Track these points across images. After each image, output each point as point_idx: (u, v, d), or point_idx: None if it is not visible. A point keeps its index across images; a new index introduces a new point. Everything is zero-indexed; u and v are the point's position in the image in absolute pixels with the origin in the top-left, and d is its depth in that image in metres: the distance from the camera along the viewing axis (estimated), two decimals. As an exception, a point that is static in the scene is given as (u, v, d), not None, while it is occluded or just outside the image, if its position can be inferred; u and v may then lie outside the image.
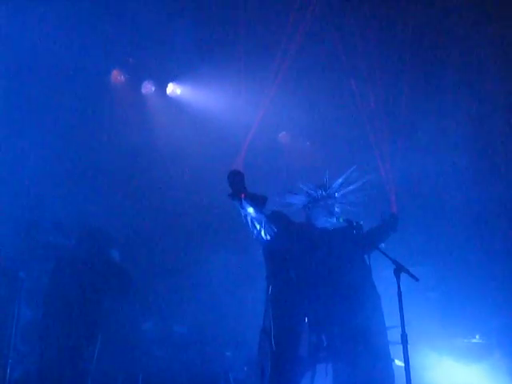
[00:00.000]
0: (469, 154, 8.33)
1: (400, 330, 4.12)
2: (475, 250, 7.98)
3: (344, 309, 4.50)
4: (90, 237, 6.27)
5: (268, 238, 4.69)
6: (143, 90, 8.09)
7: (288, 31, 5.69)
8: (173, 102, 8.25)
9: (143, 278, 6.89)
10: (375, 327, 4.52)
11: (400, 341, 4.10)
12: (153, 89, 8.12)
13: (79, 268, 5.96)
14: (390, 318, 4.56)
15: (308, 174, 5.52)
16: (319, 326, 4.50)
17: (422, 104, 7.89)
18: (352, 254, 4.74)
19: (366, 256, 4.71)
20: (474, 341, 6.93)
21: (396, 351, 4.38)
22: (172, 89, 8.27)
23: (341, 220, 4.78)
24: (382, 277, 4.89)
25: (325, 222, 4.90)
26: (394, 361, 4.64)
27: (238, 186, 4.52)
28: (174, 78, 8.23)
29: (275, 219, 4.75)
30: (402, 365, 4.07)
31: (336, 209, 4.94)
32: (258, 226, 4.66)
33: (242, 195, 4.48)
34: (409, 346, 4.08)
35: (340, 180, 5.00)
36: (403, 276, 4.18)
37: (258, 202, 4.56)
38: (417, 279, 4.19)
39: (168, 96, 8.25)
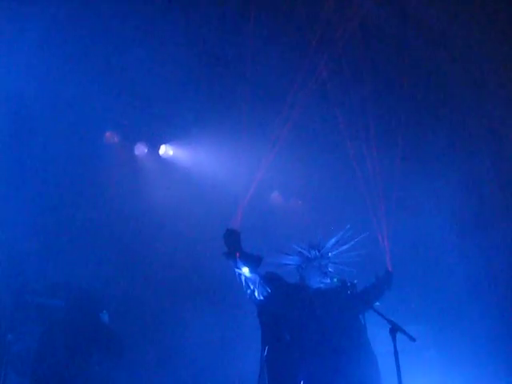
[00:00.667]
0: (462, 216, 8.43)
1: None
2: (471, 308, 7.94)
3: (340, 370, 4.42)
4: (80, 299, 6.19)
5: (262, 298, 4.65)
6: (136, 152, 8.15)
7: (285, 95, 5.80)
8: (165, 163, 8.30)
9: (132, 340, 6.77)
10: (372, 388, 4.44)
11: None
12: (145, 150, 8.18)
13: (69, 331, 5.85)
14: (387, 377, 4.47)
15: (301, 234, 5.50)
16: (316, 388, 4.41)
17: (415, 167, 8.02)
18: (347, 314, 4.71)
19: (360, 315, 4.67)
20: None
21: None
22: (164, 150, 8.33)
23: (335, 280, 4.75)
24: (378, 336, 4.82)
25: (319, 282, 4.88)
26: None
27: (233, 244, 4.52)
28: (166, 140, 8.31)
29: (269, 280, 4.73)
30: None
31: (330, 269, 4.93)
32: (251, 286, 4.63)
33: (237, 254, 4.46)
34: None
35: (333, 240, 5.00)
36: (399, 335, 4.12)
37: (253, 261, 4.55)
38: (413, 339, 4.13)
39: (161, 157, 8.31)
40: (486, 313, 7.88)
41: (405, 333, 4.15)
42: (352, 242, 4.97)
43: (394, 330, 4.15)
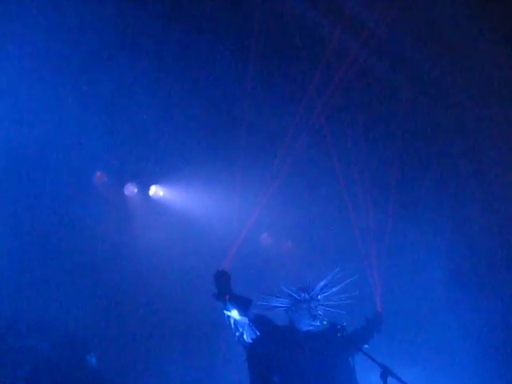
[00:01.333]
0: (452, 262, 8.50)
1: None
2: (463, 351, 7.90)
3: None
4: (66, 341, 6.10)
5: (251, 341, 4.60)
6: (126, 192, 8.14)
7: (278, 138, 5.88)
8: (155, 204, 8.29)
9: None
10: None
11: None
12: (135, 190, 8.17)
13: (54, 374, 5.75)
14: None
15: (291, 276, 5.49)
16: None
17: (407, 212, 8.13)
18: (336, 357, 4.67)
19: (350, 358, 4.63)
20: None
21: None
22: (155, 191, 8.33)
23: (324, 323, 4.71)
24: (369, 380, 4.77)
25: (308, 324, 4.84)
26: None
27: (223, 286, 4.49)
28: (156, 180, 8.32)
29: (258, 322, 4.68)
30: None
31: (319, 311, 4.89)
32: (240, 329, 4.59)
33: (227, 297, 4.43)
34: None
35: (323, 282, 4.97)
36: (390, 379, 4.07)
37: (243, 304, 4.52)
38: (405, 384, 4.08)
39: (151, 198, 8.30)
40: (477, 355, 7.85)
41: (396, 377, 4.10)
42: (342, 285, 4.94)
43: (385, 373, 4.10)
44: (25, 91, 6.56)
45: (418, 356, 7.76)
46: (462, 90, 8.37)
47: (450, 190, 8.84)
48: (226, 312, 4.53)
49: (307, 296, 4.92)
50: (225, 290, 4.50)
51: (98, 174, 7.83)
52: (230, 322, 4.56)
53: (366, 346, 4.96)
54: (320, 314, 4.87)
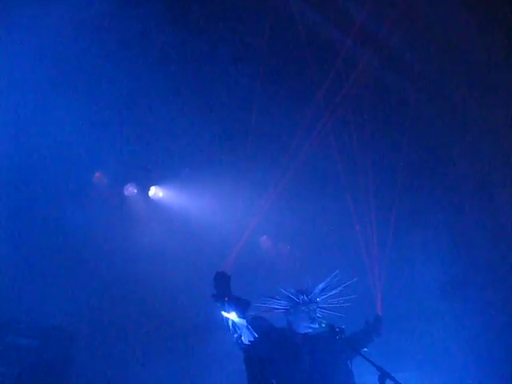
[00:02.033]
0: (451, 266, 8.54)
1: None
2: (461, 355, 7.90)
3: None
4: (54, 337, 6.12)
5: (248, 343, 4.59)
6: (126, 192, 8.14)
7: (279, 143, 5.90)
8: (154, 205, 8.29)
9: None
10: None
11: None
12: (135, 191, 8.17)
13: (43, 370, 5.75)
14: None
15: (290, 279, 5.49)
16: None
17: (409, 217, 8.21)
18: (335, 360, 4.67)
19: (348, 361, 4.63)
20: None
21: None
22: (154, 191, 8.33)
23: (323, 325, 4.71)
24: (367, 383, 4.77)
25: (307, 327, 4.83)
26: None
27: (223, 288, 4.49)
28: (156, 181, 8.32)
29: (256, 325, 4.68)
30: None
31: (318, 314, 4.89)
32: (238, 331, 4.58)
33: (226, 298, 4.43)
34: None
35: (321, 285, 4.97)
36: (388, 382, 4.07)
37: (241, 306, 4.51)
38: (404, 388, 4.08)
39: (150, 198, 8.30)
40: (473, 360, 7.85)
41: (394, 380, 4.10)
42: (340, 288, 4.94)
43: (383, 376, 4.10)
44: (24, 91, 6.56)
45: (415, 360, 7.76)
46: (468, 98, 8.44)
47: (451, 198, 8.92)
48: (224, 314, 4.52)
49: (306, 298, 4.92)
50: (224, 291, 4.49)
51: (98, 174, 7.83)
52: (228, 323, 4.56)
53: (365, 349, 4.96)
54: (318, 317, 4.87)
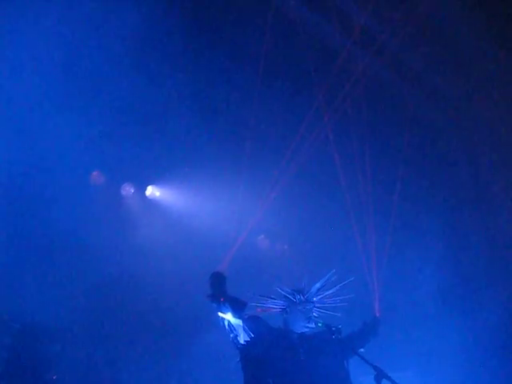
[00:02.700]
0: (448, 269, 8.58)
1: None
2: (455, 356, 7.92)
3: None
4: (29, 333, 6.10)
5: (245, 343, 4.59)
6: (122, 192, 8.13)
7: (275, 143, 5.90)
8: (151, 204, 8.29)
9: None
10: None
11: None
12: (132, 190, 8.16)
13: (20, 367, 5.74)
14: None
15: (286, 278, 5.48)
16: None
17: (407, 219, 8.22)
18: (331, 360, 4.66)
19: (345, 361, 4.63)
20: None
21: None
22: (151, 191, 8.33)
23: (319, 325, 4.71)
24: (363, 383, 4.77)
25: (303, 326, 4.83)
26: None
27: (218, 288, 4.48)
28: (153, 181, 8.31)
29: (252, 324, 4.67)
30: None
31: (314, 313, 4.88)
32: (234, 331, 4.57)
33: (222, 299, 4.42)
34: None
35: (318, 284, 4.96)
36: (385, 382, 4.07)
37: (237, 307, 4.50)
38: (399, 387, 4.08)
39: (147, 198, 8.30)
40: (472, 360, 7.87)
41: (390, 379, 4.10)
42: (337, 287, 4.94)
43: (380, 376, 4.10)
44: (22, 90, 6.55)
45: (411, 360, 7.77)
46: (468, 102, 8.48)
47: (450, 202, 8.98)
48: (220, 314, 4.52)
49: (302, 298, 4.91)
50: (220, 291, 4.48)
51: (95, 173, 7.81)
52: (224, 323, 4.55)
53: (362, 349, 4.96)
54: (315, 316, 4.86)
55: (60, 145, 7.02)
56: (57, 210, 7.08)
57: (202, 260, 5.94)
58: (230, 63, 7.37)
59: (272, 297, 4.95)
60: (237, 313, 4.52)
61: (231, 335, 4.58)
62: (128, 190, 8.17)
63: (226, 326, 4.56)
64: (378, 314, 5.28)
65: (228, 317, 4.51)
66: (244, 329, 4.57)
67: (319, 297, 4.95)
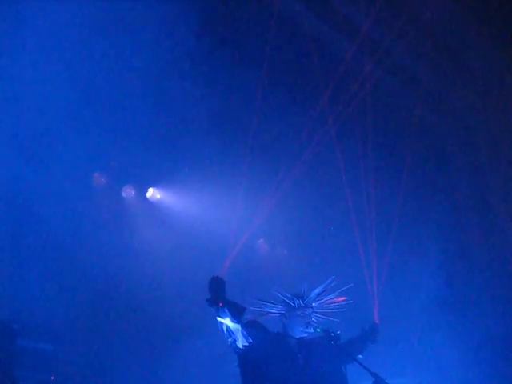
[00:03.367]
0: (446, 281, 8.60)
1: None
2: (455, 363, 7.92)
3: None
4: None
5: (243, 347, 4.58)
6: (123, 194, 8.14)
7: (276, 147, 5.90)
8: (152, 207, 8.29)
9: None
10: None
11: None
12: (133, 192, 8.17)
13: None
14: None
15: (286, 283, 5.47)
16: None
17: (409, 225, 8.21)
18: (329, 365, 4.66)
19: (343, 367, 4.62)
20: None
21: None
22: (152, 193, 8.33)
23: (318, 330, 4.70)
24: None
25: (302, 331, 4.82)
26: None
27: (217, 292, 4.47)
28: (154, 183, 8.32)
29: (251, 329, 4.66)
30: None
31: (313, 319, 4.88)
32: (233, 335, 4.56)
33: (220, 304, 4.41)
34: None
35: (317, 290, 4.96)
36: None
37: (236, 311, 4.49)
38: (396, 394, 4.08)
39: (148, 200, 8.30)
40: (469, 367, 7.86)
41: (388, 386, 4.10)
42: (336, 293, 4.93)
43: (378, 382, 4.10)
44: (23, 90, 6.56)
45: (409, 367, 7.77)
46: (470, 109, 8.50)
47: (451, 209, 8.99)
48: (218, 318, 4.51)
49: (302, 303, 4.90)
50: (219, 296, 4.47)
51: (96, 175, 7.82)
52: (222, 328, 4.55)
53: (360, 356, 4.95)
54: (314, 322, 4.86)
55: (61, 147, 7.03)
56: (58, 211, 7.09)
57: (202, 264, 5.94)
58: (233, 67, 7.38)
59: (271, 301, 4.95)
60: (235, 318, 4.51)
61: (230, 340, 4.58)
62: (129, 191, 8.18)
63: (225, 331, 4.55)
64: (376, 321, 5.27)
65: (227, 321, 4.50)
66: (242, 334, 4.56)
67: (318, 302, 4.95)
